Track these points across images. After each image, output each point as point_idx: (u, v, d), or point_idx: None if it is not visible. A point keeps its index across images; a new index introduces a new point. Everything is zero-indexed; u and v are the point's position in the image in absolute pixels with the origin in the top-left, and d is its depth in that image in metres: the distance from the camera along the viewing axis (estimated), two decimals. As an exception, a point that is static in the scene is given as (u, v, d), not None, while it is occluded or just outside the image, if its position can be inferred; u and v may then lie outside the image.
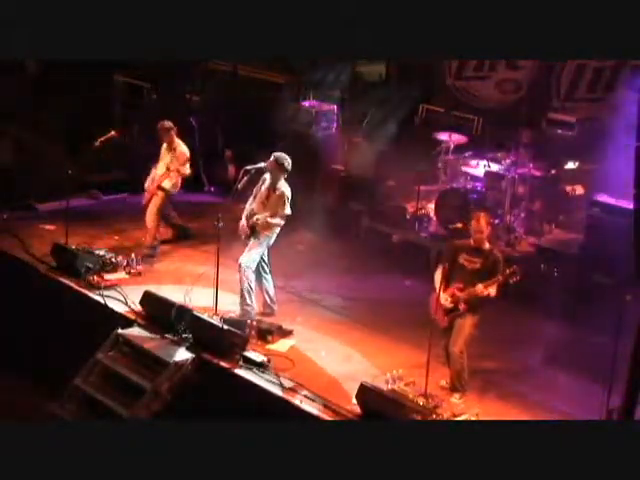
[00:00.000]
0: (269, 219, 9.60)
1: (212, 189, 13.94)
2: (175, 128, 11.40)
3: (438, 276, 8.54)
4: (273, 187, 9.68)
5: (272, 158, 9.64)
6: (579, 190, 11.68)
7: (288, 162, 9.63)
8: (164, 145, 11.43)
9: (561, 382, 8.90)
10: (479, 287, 8.31)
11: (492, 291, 8.35)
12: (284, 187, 9.68)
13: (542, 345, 9.57)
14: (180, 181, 11.42)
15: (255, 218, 9.62)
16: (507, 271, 8.31)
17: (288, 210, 9.67)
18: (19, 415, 9.68)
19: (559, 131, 12.60)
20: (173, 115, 11.86)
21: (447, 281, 8.52)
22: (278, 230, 9.74)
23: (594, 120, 12.38)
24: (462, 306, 8.44)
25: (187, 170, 11.42)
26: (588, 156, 11.80)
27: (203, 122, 14.28)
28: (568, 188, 11.70)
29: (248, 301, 9.68)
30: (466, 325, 8.47)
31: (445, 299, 8.47)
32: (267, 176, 9.76)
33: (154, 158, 11.54)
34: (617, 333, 7.43)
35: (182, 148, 11.40)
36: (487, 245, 8.60)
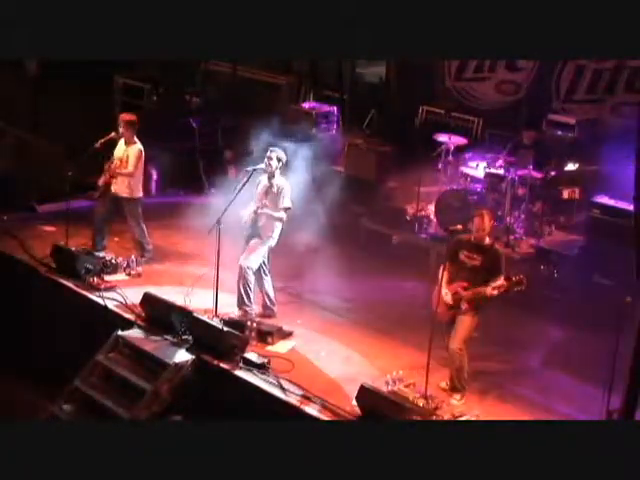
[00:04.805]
0: (271, 212, 9.61)
1: (212, 190, 13.92)
2: (137, 124, 10.89)
3: (441, 272, 8.53)
4: (271, 183, 9.70)
5: (268, 153, 9.69)
6: (578, 192, 11.68)
7: (284, 157, 9.74)
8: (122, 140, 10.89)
9: (561, 384, 8.90)
10: (488, 289, 8.27)
11: (495, 292, 8.33)
12: (282, 181, 9.72)
13: (542, 346, 9.58)
14: (140, 184, 10.98)
15: (257, 211, 9.62)
16: (513, 279, 8.23)
17: (289, 203, 9.68)
18: (19, 415, 9.67)
19: (559, 132, 12.62)
20: (173, 115, 11.82)
21: (449, 276, 8.52)
22: (279, 231, 9.74)
23: (594, 121, 12.39)
24: (465, 305, 8.43)
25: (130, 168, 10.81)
26: (588, 157, 11.82)
27: (203, 122, 14.27)
28: (567, 190, 11.68)
29: (248, 302, 9.67)
30: (466, 324, 8.45)
31: (445, 293, 8.46)
32: (263, 176, 9.78)
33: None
34: (617, 334, 7.43)
35: (139, 146, 10.89)
36: (487, 240, 8.57)
